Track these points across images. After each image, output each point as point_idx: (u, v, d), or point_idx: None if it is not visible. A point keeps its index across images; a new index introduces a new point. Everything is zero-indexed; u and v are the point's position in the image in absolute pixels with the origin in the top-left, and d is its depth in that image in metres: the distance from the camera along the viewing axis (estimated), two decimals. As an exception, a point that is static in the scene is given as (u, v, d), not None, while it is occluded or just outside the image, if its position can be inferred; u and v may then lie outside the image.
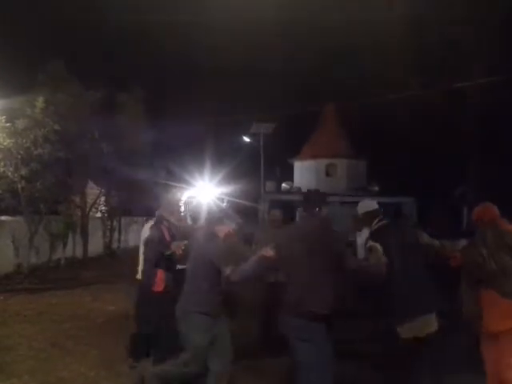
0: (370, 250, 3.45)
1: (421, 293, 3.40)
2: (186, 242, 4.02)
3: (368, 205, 3.83)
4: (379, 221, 3.70)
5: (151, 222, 4.84)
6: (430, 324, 3.41)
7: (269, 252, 3.33)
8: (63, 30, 18.87)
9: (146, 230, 4.77)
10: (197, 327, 3.48)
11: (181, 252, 3.98)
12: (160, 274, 4.26)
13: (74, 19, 19.20)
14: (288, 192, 21.34)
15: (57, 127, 10.83)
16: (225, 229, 3.77)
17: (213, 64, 24.74)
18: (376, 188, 20.84)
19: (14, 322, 6.33)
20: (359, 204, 3.88)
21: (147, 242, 4.38)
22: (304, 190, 21.57)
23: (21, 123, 10.42)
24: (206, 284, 3.51)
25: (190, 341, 3.49)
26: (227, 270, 3.43)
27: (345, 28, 14.67)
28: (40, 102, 10.57)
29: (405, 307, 3.36)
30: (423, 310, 3.39)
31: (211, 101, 24.63)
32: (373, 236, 3.58)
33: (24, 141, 10.41)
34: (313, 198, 3.56)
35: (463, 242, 3.53)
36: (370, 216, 3.76)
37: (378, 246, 3.41)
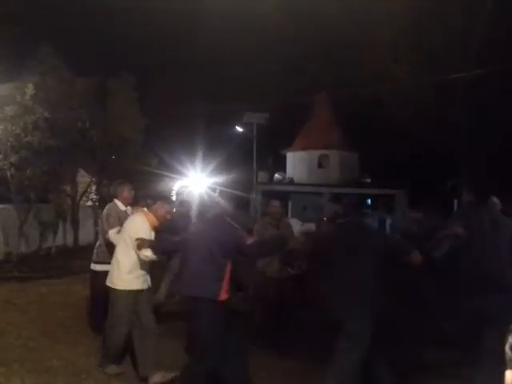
0: None
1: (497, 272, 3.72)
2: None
3: None
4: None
5: (144, 211, 4.36)
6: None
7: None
8: (53, 15, 18.53)
9: (139, 222, 4.22)
10: None
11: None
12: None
13: (64, 4, 18.86)
14: (280, 183, 21.37)
15: (47, 114, 10.68)
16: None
17: (206, 52, 24.52)
18: (368, 180, 20.94)
19: (3, 311, 6.26)
20: None
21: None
22: (297, 181, 21.61)
23: (10, 110, 10.24)
24: None
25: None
26: None
27: (340, 18, 14.57)
28: (30, 88, 10.39)
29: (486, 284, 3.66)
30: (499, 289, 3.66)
31: (204, 90, 24.47)
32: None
33: (14, 128, 10.24)
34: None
35: None
36: None
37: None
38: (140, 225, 4.21)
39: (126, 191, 5.11)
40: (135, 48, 23.18)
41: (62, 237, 13.39)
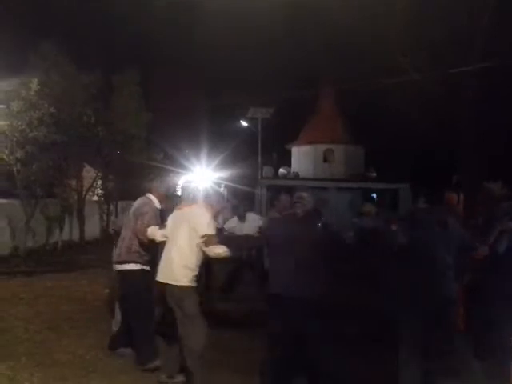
0: None
1: None
2: None
3: None
4: None
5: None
6: None
7: None
8: (56, 10, 18.58)
9: (205, 217, 3.86)
10: None
11: None
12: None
13: (64, 4, 18.85)
14: (285, 178, 21.34)
15: (52, 110, 10.73)
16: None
17: (211, 47, 24.49)
18: (373, 174, 20.87)
19: (10, 305, 6.33)
20: None
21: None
22: (302, 175, 21.57)
23: (16, 105, 10.31)
24: None
25: None
26: None
27: (344, 11, 14.46)
28: (35, 83, 10.43)
29: None
30: None
31: (209, 84, 24.48)
32: None
33: (19, 123, 10.31)
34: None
35: None
36: None
37: None
38: (207, 220, 3.87)
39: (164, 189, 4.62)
40: (139, 44, 23.22)
41: (69, 231, 13.50)
